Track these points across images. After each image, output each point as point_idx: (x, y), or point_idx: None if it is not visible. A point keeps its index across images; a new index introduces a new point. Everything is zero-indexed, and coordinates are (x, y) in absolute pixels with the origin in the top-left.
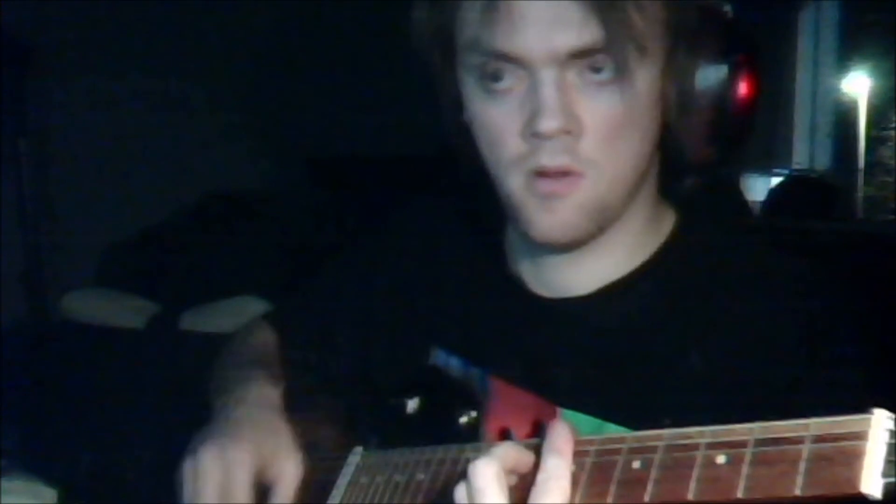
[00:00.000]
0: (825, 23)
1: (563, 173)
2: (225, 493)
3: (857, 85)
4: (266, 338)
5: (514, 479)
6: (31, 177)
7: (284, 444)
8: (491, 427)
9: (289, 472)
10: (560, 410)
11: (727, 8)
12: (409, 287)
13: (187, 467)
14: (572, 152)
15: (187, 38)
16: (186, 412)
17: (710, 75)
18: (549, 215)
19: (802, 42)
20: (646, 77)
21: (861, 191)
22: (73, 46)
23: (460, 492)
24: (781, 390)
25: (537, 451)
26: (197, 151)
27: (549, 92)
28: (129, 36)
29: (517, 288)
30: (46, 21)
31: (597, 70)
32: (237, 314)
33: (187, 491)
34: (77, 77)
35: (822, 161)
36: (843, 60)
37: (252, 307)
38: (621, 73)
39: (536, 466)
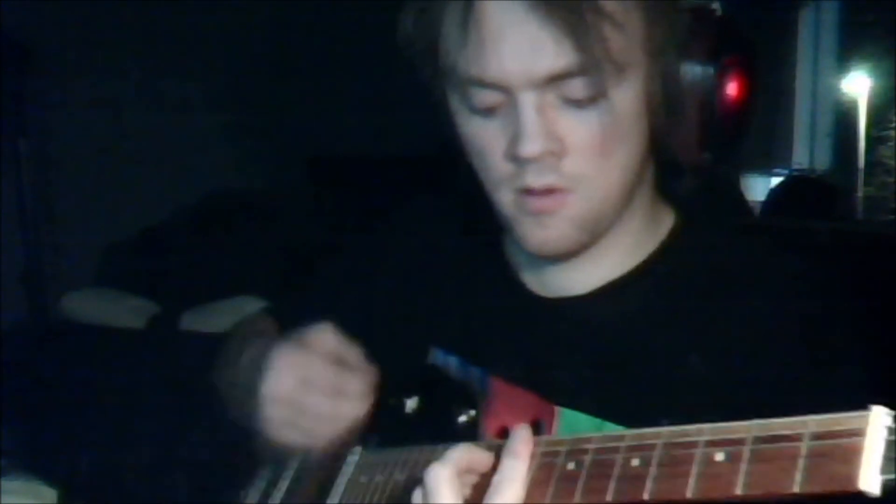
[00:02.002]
0: (825, 23)
1: (550, 191)
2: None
3: (857, 85)
4: (269, 327)
5: (475, 479)
6: (31, 177)
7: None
8: (490, 426)
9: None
10: (559, 410)
11: (716, 6)
12: (408, 286)
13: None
14: (557, 171)
15: (187, 38)
16: (186, 412)
17: (698, 78)
18: (541, 230)
19: (802, 42)
20: (627, 93)
21: (861, 191)
22: (73, 47)
23: (416, 495)
24: (781, 390)
25: (499, 453)
26: (197, 151)
27: (528, 115)
28: (128, 36)
29: (516, 287)
30: (46, 22)
31: (576, 90)
32: (237, 314)
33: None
34: (77, 77)
35: (822, 161)
36: (843, 60)
37: (252, 307)
38: (600, 94)
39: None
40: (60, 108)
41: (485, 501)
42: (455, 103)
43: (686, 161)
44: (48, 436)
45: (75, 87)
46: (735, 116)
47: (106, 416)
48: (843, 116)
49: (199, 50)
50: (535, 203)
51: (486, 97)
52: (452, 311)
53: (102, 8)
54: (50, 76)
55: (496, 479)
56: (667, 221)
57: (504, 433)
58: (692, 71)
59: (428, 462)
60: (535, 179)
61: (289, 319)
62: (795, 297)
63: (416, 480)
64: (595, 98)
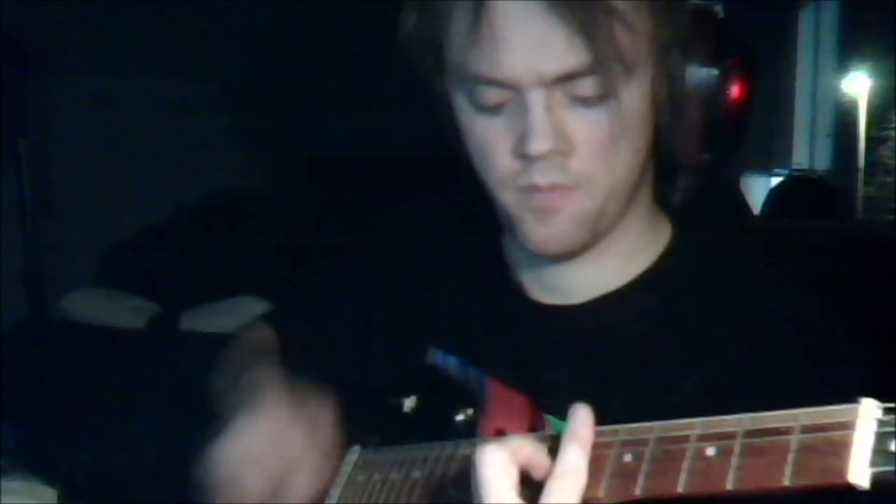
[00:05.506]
0: (825, 23)
1: (556, 188)
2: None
3: (857, 85)
4: (266, 337)
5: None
6: (31, 177)
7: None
8: (487, 429)
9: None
10: (552, 418)
11: (718, 8)
12: (408, 286)
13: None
14: (564, 170)
15: (187, 38)
16: (186, 412)
17: (702, 79)
18: (545, 228)
19: (802, 42)
20: (635, 92)
21: (861, 191)
22: (73, 47)
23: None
24: (782, 396)
25: (551, 444)
26: (197, 151)
27: (537, 114)
28: (128, 36)
29: (515, 290)
30: (46, 22)
31: (585, 89)
32: (237, 314)
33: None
34: (77, 77)
35: (822, 161)
36: (843, 60)
37: (252, 307)
38: (609, 93)
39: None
40: (60, 108)
41: (546, 501)
42: (459, 101)
43: (687, 162)
44: (48, 436)
45: (75, 87)
46: (736, 118)
47: (106, 416)
48: (843, 116)
49: (199, 50)
50: (541, 200)
51: (494, 95)
52: (451, 312)
53: (102, 8)
54: (50, 76)
55: (559, 469)
56: (664, 232)
57: (502, 435)
58: (696, 72)
59: (426, 460)
60: (541, 177)
61: (287, 325)
62: (796, 306)
63: (414, 480)
64: (604, 97)
